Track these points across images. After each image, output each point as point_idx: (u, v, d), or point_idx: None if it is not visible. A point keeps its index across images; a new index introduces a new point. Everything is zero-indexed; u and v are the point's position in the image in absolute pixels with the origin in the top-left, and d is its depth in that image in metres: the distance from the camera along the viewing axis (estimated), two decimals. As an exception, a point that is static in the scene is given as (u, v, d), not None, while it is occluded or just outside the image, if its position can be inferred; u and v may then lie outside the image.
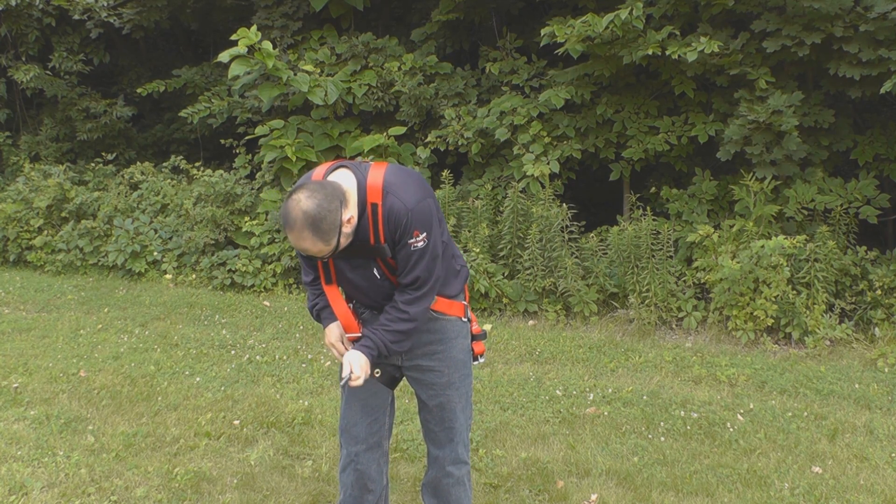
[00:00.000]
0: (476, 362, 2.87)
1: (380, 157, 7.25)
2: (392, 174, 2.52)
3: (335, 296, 2.70)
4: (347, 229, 2.44)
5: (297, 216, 2.36)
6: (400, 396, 4.43)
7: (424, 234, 2.49)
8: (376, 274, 2.62)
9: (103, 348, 5.59)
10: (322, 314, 2.77)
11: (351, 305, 2.75)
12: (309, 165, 7.34)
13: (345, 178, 2.51)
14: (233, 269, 7.38)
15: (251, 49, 6.90)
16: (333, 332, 2.73)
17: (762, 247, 5.47)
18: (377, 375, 2.77)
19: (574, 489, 3.61)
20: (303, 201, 2.36)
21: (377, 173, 2.51)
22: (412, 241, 2.48)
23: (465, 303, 2.80)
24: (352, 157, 7.21)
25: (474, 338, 2.84)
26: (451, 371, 2.75)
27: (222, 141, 8.49)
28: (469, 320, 2.82)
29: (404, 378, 2.88)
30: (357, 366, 2.58)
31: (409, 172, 2.60)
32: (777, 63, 6.31)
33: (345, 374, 2.60)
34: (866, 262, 5.89)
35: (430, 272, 2.54)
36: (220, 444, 4.06)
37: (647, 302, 5.94)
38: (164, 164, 8.83)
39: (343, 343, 2.71)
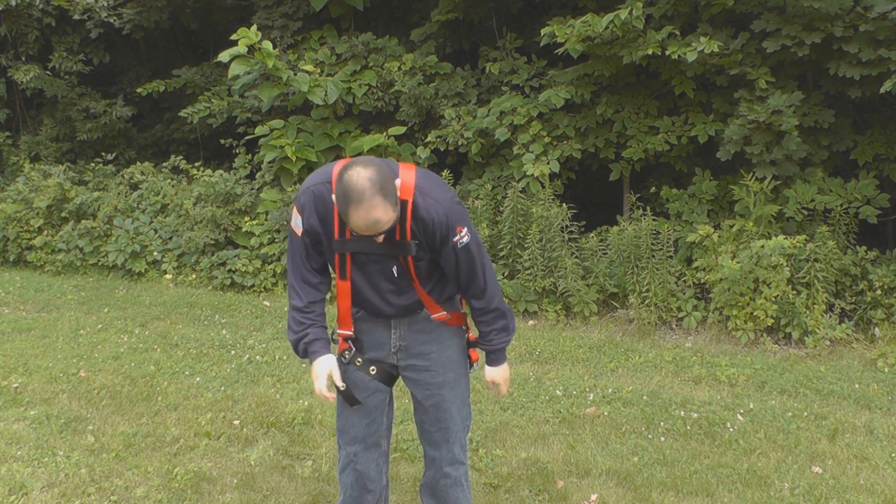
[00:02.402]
0: (471, 369, 2.87)
1: (379, 158, 7.24)
2: (423, 176, 2.52)
3: (345, 292, 2.67)
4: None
5: (364, 186, 2.27)
6: (400, 397, 4.42)
7: (466, 229, 2.53)
8: (395, 272, 2.60)
9: (103, 348, 5.59)
10: (310, 348, 2.64)
11: None
12: (309, 165, 7.35)
13: None
14: (233, 269, 7.37)
15: (251, 49, 6.90)
16: (324, 365, 2.63)
17: (762, 247, 5.47)
18: (373, 373, 2.76)
19: (574, 489, 3.61)
20: (363, 172, 2.29)
21: (408, 173, 2.49)
22: (457, 238, 2.49)
23: (464, 312, 2.80)
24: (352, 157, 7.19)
25: (470, 345, 2.83)
26: (446, 370, 2.75)
27: (222, 141, 8.49)
28: (466, 327, 2.83)
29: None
30: (502, 379, 2.85)
31: (434, 176, 2.60)
32: (777, 63, 6.31)
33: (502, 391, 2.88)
34: (866, 262, 5.89)
35: (483, 267, 2.60)
36: (220, 444, 4.06)
37: (647, 302, 5.94)
38: (164, 164, 8.82)
39: (333, 379, 2.65)
